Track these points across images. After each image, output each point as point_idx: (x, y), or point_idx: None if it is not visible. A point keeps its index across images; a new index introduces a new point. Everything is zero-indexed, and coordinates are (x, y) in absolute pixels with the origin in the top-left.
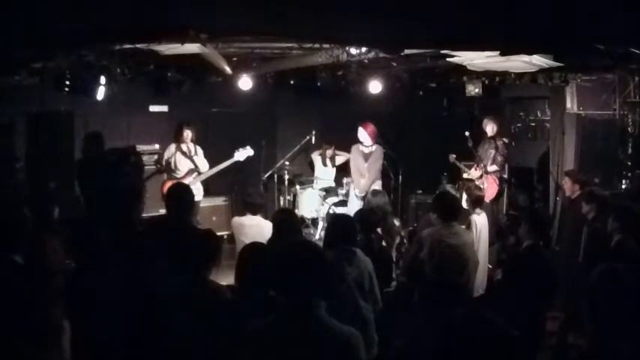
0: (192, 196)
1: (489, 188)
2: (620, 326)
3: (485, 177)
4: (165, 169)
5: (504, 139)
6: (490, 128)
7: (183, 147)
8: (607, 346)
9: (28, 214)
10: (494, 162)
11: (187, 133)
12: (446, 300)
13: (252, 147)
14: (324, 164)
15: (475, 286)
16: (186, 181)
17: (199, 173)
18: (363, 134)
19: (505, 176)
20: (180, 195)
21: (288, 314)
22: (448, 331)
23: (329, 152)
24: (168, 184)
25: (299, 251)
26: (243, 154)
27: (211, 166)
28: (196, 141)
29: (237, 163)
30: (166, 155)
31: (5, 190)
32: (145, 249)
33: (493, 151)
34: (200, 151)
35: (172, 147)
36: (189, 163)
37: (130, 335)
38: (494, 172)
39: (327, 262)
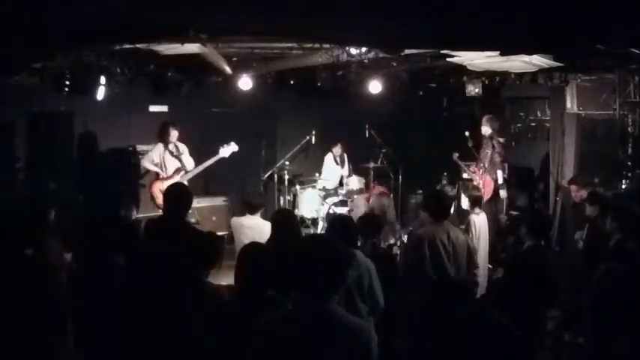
0: (192, 196)
1: (485, 187)
2: (622, 326)
3: (482, 176)
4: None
5: (499, 139)
6: (486, 129)
7: (171, 147)
8: (608, 346)
9: (24, 215)
10: (491, 162)
11: (174, 133)
12: (449, 300)
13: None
14: (336, 163)
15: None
16: (174, 179)
17: (186, 172)
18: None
19: (505, 176)
20: (180, 195)
21: (301, 308)
22: (451, 331)
23: (336, 150)
24: (157, 184)
25: (315, 245)
26: (227, 150)
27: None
28: (189, 141)
29: (232, 162)
30: (155, 155)
31: (5, 191)
32: (145, 250)
33: (489, 152)
34: (185, 149)
35: (161, 147)
36: (177, 162)
37: (130, 335)
38: (499, 174)
39: (342, 256)
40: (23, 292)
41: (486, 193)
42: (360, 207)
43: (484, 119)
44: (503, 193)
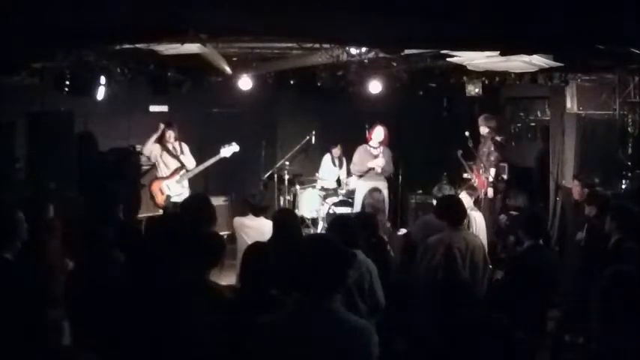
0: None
1: (480, 187)
2: (629, 327)
3: (477, 176)
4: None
5: (497, 138)
6: (483, 128)
7: (169, 146)
8: (614, 347)
9: (22, 214)
10: (488, 161)
11: (170, 134)
12: (451, 301)
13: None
14: (334, 164)
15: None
16: (173, 179)
17: (187, 171)
18: (381, 135)
19: (505, 176)
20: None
21: (302, 307)
22: (452, 332)
23: (335, 151)
24: (157, 183)
25: (315, 245)
26: (228, 150)
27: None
28: (189, 140)
29: (232, 162)
30: (152, 155)
31: (5, 191)
32: (146, 249)
33: (486, 151)
34: (186, 148)
35: (157, 147)
36: (176, 161)
37: (130, 335)
38: (491, 172)
39: (343, 256)
40: (23, 292)
41: (479, 192)
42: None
43: (480, 119)
44: (490, 192)
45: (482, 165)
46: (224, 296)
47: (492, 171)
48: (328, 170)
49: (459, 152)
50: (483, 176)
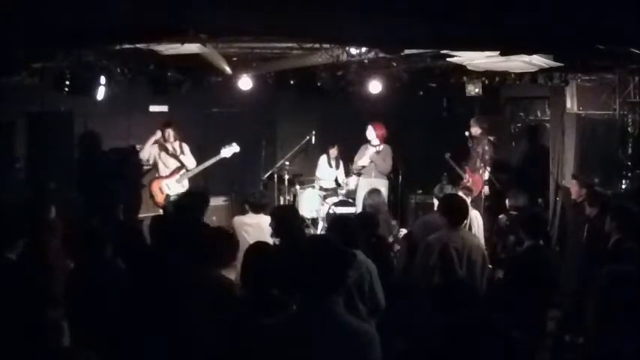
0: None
1: (475, 186)
2: (627, 327)
3: (472, 175)
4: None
5: (490, 138)
6: (475, 129)
7: (168, 146)
8: (613, 347)
9: (24, 215)
10: (482, 161)
11: (169, 133)
12: (451, 301)
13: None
14: (330, 165)
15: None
16: (173, 178)
17: (187, 171)
18: (372, 133)
19: (490, 175)
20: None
21: (304, 311)
22: (452, 332)
23: (332, 152)
24: (156, 182)
25: (315, 245)
26: (229, 150)
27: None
28: (189, 141)
29: (232, 162)
30: (150, 158)
31: (5, 191)
32: (148, 248)
33: (480, 151)
34: (186, 148)
35: (155, 147)
36: (176, 161)
37: (130, 335)
38: (485, 172)
39: (343, 256)
40: (23, 291)
41: (475, 192)
42: None
43: (472, 120)
44: (486, 191)
45: (481, 164)
46: (228, 294)
47: (487, 170)
48: (325, 171)
49: (447, 155)
50: (477, 175)
